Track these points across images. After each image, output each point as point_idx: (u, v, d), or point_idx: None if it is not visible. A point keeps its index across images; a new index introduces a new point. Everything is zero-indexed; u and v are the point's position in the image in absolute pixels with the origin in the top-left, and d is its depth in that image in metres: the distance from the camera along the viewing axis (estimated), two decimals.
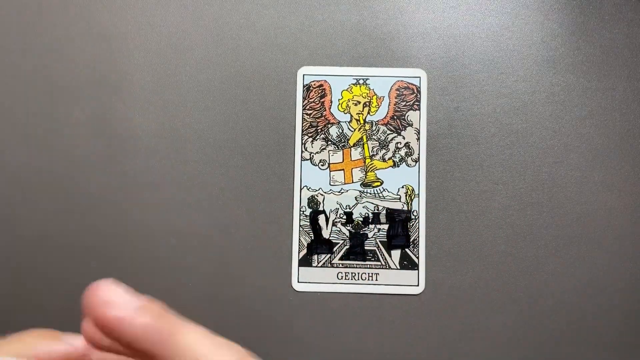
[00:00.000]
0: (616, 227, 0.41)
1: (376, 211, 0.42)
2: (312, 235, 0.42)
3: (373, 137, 0.42)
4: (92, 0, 0.44)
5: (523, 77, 0.42)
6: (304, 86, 0.43)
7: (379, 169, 0.42)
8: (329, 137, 0.43)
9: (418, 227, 0.42)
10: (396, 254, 0.42)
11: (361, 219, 0.42)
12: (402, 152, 0.42)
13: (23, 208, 0.42)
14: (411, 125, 0.42)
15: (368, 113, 0.43)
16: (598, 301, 0.41)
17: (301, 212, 0.42)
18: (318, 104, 0.43)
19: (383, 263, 0.42)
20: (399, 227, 0.42)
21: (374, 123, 0.43)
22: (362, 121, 0.43)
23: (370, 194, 0.42)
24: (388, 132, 0.42)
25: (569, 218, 0.41)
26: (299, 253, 0.42)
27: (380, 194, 0.42)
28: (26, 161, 0.42)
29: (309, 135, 0.42)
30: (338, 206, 0.42)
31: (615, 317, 0.41)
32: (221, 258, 0.42)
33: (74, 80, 0.43)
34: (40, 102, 0.43)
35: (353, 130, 0.43)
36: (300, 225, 0.42)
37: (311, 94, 0.43)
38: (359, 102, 0.43)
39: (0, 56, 0.43)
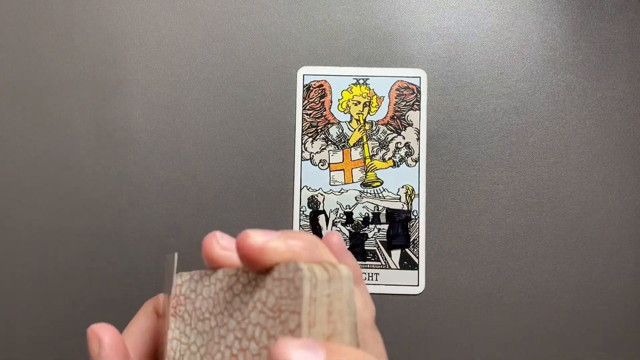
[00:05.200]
0: (616, 227, 0.41)
1: (376, 211, 0.42)
2: None
3: (373, 137, 0.42)
4: (92, 0, 0.43)
5: (523, 77, 0.42)
6: (304, 86, 0.43)
7: (379, 169, 0.42)
8: (329, 137, 0.43)
9: (418, 227, 0.42)
10: (396, 254, 0.42)
11: (361, 219, 0.42)
12: (402, 152, 0.42)
13: (23, 207, 0.42)
14: (411, 125, 0.42)
15: (368, 113, 0.43)
16: (598, 301, 0.41)
17: (301, 212, 0.42)
18: (318, 104, 0.43)
19: (383, 263, 0.42)
20: (399, 227, 0.42)
21: (374, 123, 0.43)
22: (362, 121, 0.43)
23: (370, 194, 0.42)
24: (388, 132, 0.42)
25: (569, 218, 0.41)
26: None
27: (380, 194, 0.42)
28: (26, 161, 0.42)
29: (309, 135, 0.42)
30: (338, 206, 0.42)
31: (615, 317, 0.41)
32: None
33: (74, 80, 0.43)
34: (39, 102, 0.43)
35: (353, 130, 0.43)
36: (300, 225, 0.42)
37: (311, 94, 0.43)
38: (359, 102, 0.43)
39: (1, 56, 0.43)
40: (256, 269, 0.19)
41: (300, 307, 0.16)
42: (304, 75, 0.43)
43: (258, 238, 0.18)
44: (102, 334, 0.21)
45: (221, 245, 0.20)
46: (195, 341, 0.20)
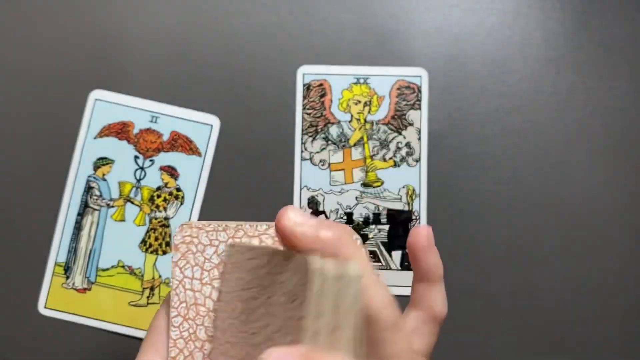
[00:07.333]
0: (619, 227, 0.41)
1: (377, 211, 0.42)
2: None
3: (373, 136, 0.42)
4: (92, 0, 0.43)
5: (525, 76, 0.42)
6: (304, 85, 0.42)
7: (380, 168, 0.42)
8: (329, 137, 0.42)
9: None
10: (397, 254, 0.41)
11: (362, 220, 0.42)
12: (403, 151, 0.42)
13: (24, 207, 0.42)
14: (412, 124, 0.42)
15: (368, 112, 0.42)
16: (598, 301, 0.41)
17: None
18: (318, 103, 0.42)
19: (384, 264, 0.41)
20: (399, 227, 0.42)
21: (374, 122, 0.42)
22: (362, 120, 0.42)
23: (370, 194, 0.42)
24: (389, 131, 0.42)
25: (571, 218, 0.41)
26: None
27: (381, 194, 0.42)
28: (26, 160, 0.42)
29: (309, 134, 0.42)
30: (338, 206, 0.42)
31: (615, 317, 0.41)
32: None
33: (73, 80, 0.42)
34: (39, 101, 0.42)
35: (353, 129, 0.42)
36: None
37: (311, 93, 0.42)
38: (360, 102, 0.42)
39: None
40: (287, 247, 0.20)
41: (310, 299, 0.18)
42: (303, 74, 0.42)
43: (292, 219, 0.20)
44: None
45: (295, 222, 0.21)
46: (235, 308, 0.22)
